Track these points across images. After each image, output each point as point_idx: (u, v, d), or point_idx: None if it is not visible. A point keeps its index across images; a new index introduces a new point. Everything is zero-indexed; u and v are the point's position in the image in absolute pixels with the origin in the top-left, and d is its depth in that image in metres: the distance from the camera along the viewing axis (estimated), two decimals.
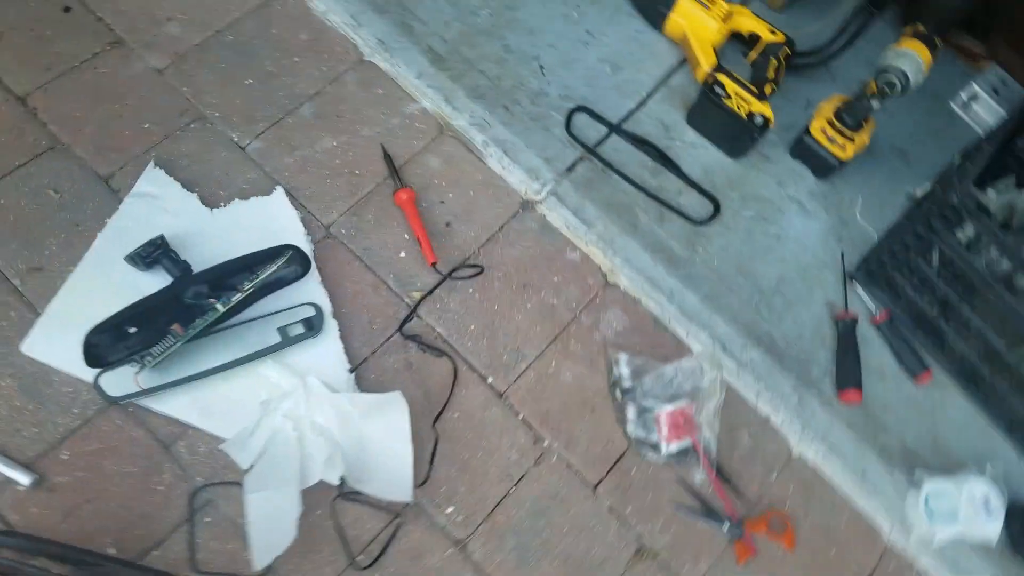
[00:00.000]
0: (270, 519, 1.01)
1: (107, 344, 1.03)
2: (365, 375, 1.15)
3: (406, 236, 1.26)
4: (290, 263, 1.14)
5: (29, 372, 1.05)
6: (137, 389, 1.03)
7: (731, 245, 1.37)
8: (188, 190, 1.19)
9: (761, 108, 1.36)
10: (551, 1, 1.53)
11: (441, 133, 1.36)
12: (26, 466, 1.01)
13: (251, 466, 1.05)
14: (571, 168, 1.37)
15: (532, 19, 1.50)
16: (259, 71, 1.32)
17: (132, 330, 1.03)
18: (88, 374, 1.04)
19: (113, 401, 1.03)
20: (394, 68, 1.38)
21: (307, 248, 1.19)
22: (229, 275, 1.10)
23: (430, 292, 1.23)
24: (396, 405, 1.09)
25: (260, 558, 0.99)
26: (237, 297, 1.07)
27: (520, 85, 1.43)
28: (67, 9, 1.30)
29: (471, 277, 1.25)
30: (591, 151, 1.38)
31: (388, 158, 1.30)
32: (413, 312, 1.21)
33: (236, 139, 1.26)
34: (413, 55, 1.39)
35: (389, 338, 1.18)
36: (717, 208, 1.38)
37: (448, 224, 1.29)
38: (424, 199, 1.29)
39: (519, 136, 1.37)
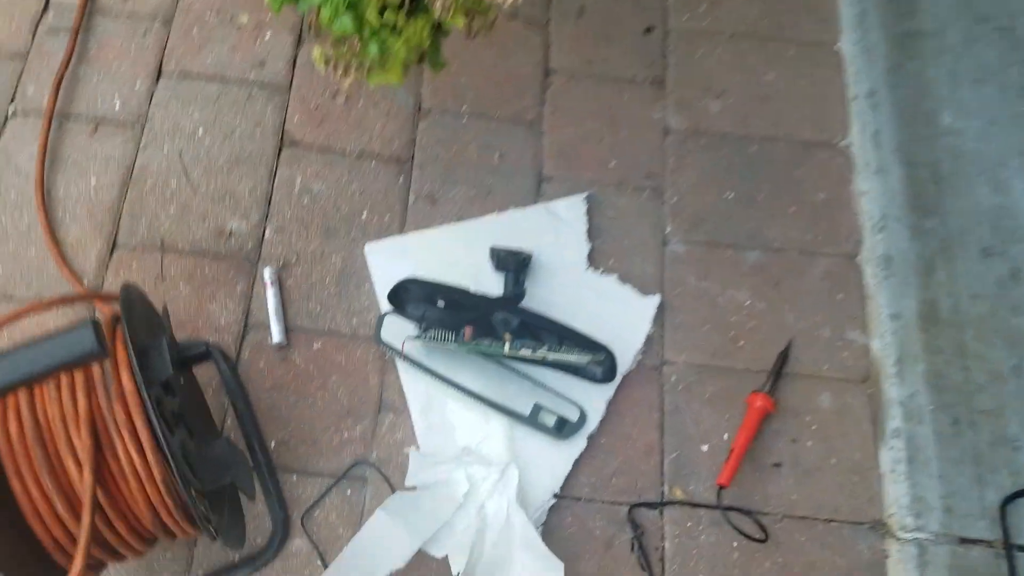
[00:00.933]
0: (374, 550, 1.11)
1: (413, 297, 1.22)
2: (561, 512, 1.17)
3: (724, 436, 1.22)
4: (598, 365, 1.21)
5: (353, 266, 1.31)
6: (399, 347, 1.22)
7: None
8: (587, 238, 1.33)
9: None
10: None
11: (860, 382, 1.27)
12: (287, 329, 1.27)
13: (412, 487, 1.17)
14: (966, 541, 1.15)
15: None
16: (747, 192, 1.38)
17: (439, 304, 1.22)
18: (384, 305, 1.26)
19: (377, 340, 1.24)
20: (876, 288, 1.32)
21: (628, 363, 1.24)
22: (541, 330, 1.20)
23: (693, 505, 1.18)
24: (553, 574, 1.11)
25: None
26: (525, 353, 1.17)
27: (997, 415, 1.23)
28: (648, 30, 1.52)
29: (746, 536, 1.16)
30: (1010, 551, 1.16)
31: (783, 358, 1.27)
32: (660, 506, 1.18)
33: (667, 230, 1.36)
34: (908, 294, 1.30)
35: (616, 504, 1.18)
36: None
37: (777, 465, 1.21)
38: (776, 421, 1.23)
39: (941, 460, 1.20)
